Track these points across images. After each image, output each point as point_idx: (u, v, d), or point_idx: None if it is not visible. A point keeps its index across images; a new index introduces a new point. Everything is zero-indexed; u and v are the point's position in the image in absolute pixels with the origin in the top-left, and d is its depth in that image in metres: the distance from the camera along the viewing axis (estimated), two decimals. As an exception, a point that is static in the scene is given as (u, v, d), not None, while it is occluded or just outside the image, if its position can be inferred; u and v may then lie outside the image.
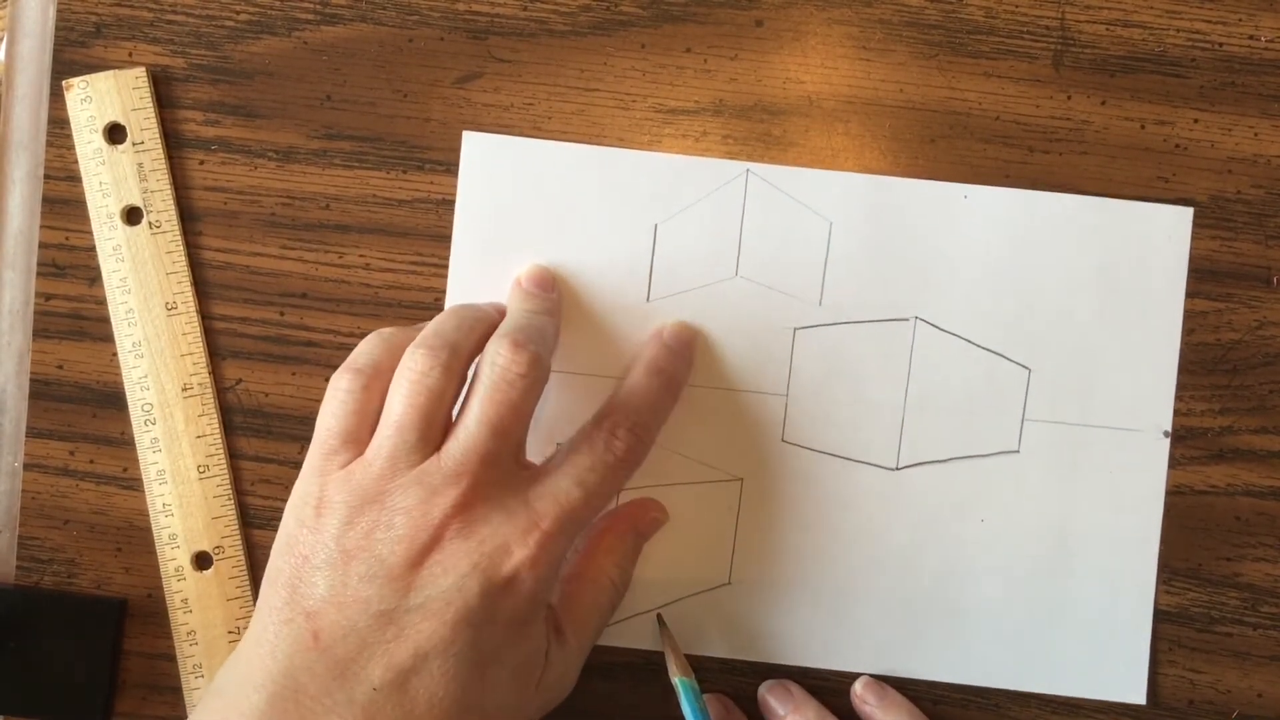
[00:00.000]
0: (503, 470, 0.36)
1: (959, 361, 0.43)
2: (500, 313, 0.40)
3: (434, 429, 0.36)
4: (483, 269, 0.43)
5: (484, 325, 0.38)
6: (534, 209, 0.43)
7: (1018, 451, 0.43)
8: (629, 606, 0.43)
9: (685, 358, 0.41)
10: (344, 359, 0.41)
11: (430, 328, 0.37)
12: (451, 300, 0.43)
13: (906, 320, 0.43)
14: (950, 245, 0.43)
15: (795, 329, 0.43)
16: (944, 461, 0.43)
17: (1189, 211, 0.43)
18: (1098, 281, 0.43)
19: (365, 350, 0.38)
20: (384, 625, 0.33)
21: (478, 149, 0.43)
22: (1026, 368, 0.43)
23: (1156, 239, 0.43)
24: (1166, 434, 0.43)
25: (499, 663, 0.35)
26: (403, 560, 0.34)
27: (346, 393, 0.36)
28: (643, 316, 0.43)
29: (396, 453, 0.35)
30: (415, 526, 0.34)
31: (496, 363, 0.36)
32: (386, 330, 0.39)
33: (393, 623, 0.33)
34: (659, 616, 0.42)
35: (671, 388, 0.41)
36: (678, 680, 0.40)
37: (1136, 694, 0.43)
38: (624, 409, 0.39)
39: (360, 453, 0.36)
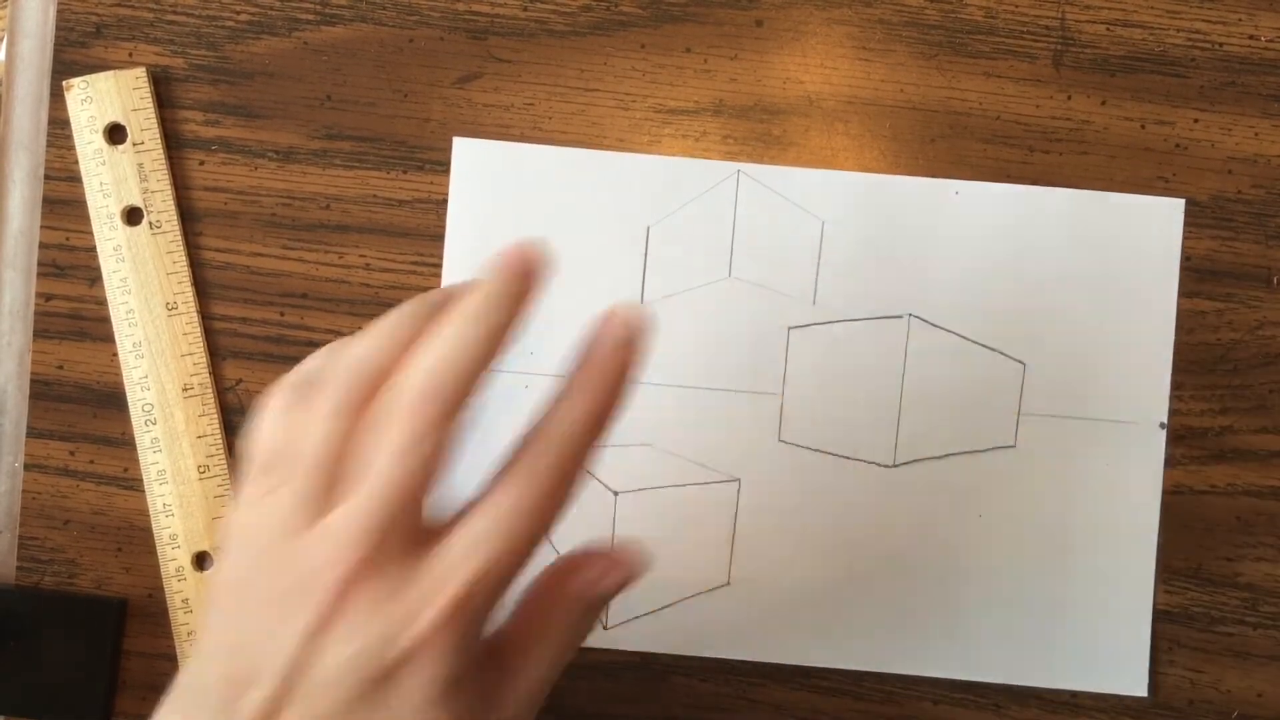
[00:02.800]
0: (396, 541, 0.31)
1: (954, 357, 0.43)
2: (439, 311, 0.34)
3: (344, 472, 0.32)
4: (475, 274, 0.43)
5: (402, 349, 0.33)
6: (525, 213, 0.43)
7: (1014, 446, 0.43)
8: (629, 608, 0.43)
9: (618, 371, 0.33)
10: None
11: (357, 354, 0.33)
12: (451, 300, 0.43)
13: (900, 317, 0.43)
14: (942, 241, 0.43)
15: (789, 328, 0.43)
16: (941, 458, 0.43)
17: (1180, 203, 0.43)
18: (1091, 274, 0.43)
19: (306, 366, 0.34)
20: (293, 682, 0.31)
21: (468, 154, 0.43)
22: (1021, 362, 0.43)
23: (1149, 231, 0.43)
24: (1162, 425, 0.43)
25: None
26: (302, 625, 0.31)
27: (273, 411, 0.33)
28: (640, 318, 0.43)
29: (306, 495, 0.31)
30: (312, 591, 0.31)
31: (398, 420, 0.31)
32: (336, 343, 0.34)
33: (294, 687, 0.31)
34: None
35: (600, 408, 0.33)
36: None
37: (1138, 686, 0.43)
38: (535, 447, 0.32)
39: (286, 477, 0.32)
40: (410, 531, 0.31)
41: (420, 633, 0.30)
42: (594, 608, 0.35)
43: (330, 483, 0.31)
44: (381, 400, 0.32)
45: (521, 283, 0.33)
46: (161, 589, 0.43)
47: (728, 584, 0.43)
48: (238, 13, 0.43)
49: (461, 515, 0.32)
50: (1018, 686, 0.43)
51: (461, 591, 0.31)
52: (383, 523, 0.31)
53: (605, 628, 0.43)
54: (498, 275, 0.33)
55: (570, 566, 0.35)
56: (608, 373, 0.33)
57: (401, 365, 0.32)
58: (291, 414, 0.32)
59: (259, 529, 0.32)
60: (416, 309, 0.34)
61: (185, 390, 0.43)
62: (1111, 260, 0.43)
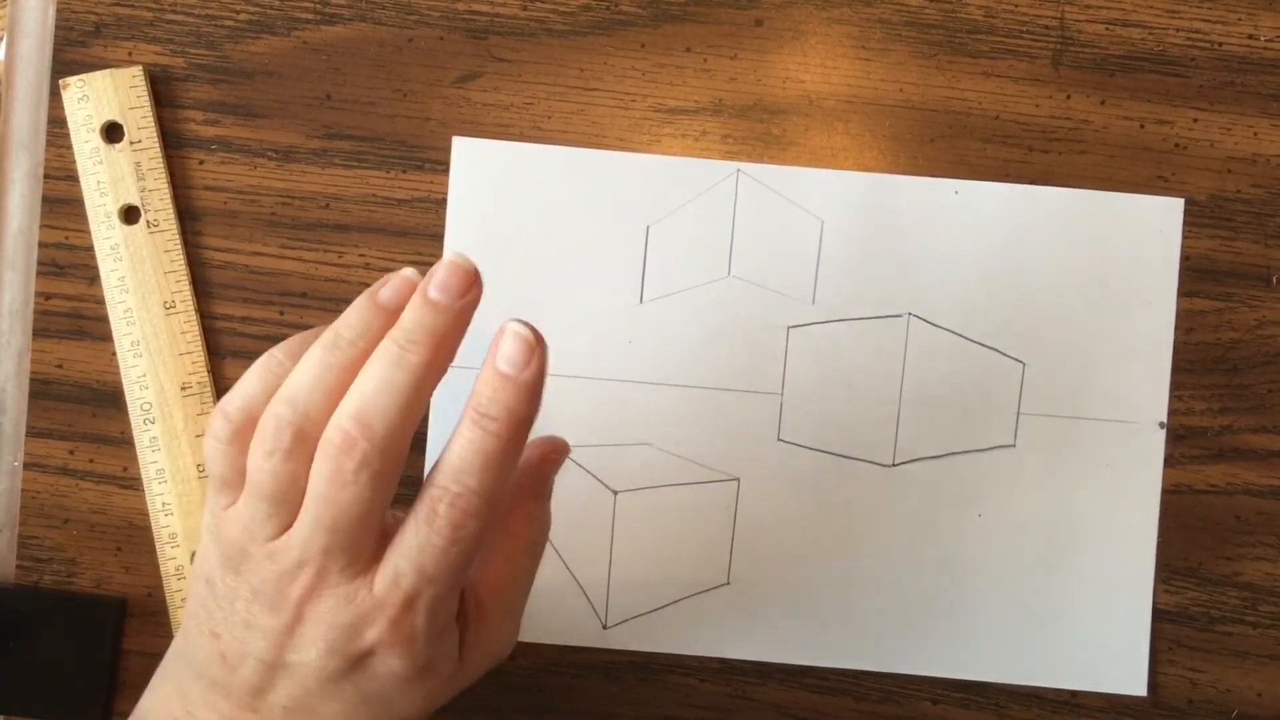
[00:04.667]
0: (344, 559, 0.32)
1: (953, 357, 0.43)
2: (388, 314, 0.33)
3: (287, 504, 0.32)
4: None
5: (350, 371, 0.32)
6: (525, 213, 0.43)
7: (1014, 446, 0.43)
8: (629, 607, 0.43)
9: (524, 388, 0.32)
10: None
11: (289, 383, 0.32)
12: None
13: (900, 317, 0.43)
14: (942, 241, 0.43)
15: (789, 327, 0.43)
16: (940, 457, 0.43)
17: (1180, 202, 0.43)
18: (1090, 274, 0.43)
19: (242, 392, 0.33)
20: (273, 671, 0.33)
21: (467, 153, 0.43)
22: (1021, 362, 0.43)
23: (1148, 230, 0.43)
24: (1162, 425, 0.43)
25: (401, 695, 0.34)
26: (269, 624, 0.33)
27: (215, 441, 0.33)
28: (636, 318, 0.43)
29: (254, 521, 0.32)
30: (272, 599, 0.33)
31: (328, 457, 0.31)
32: (275, 355, 0.33)
33: (282, 670, 0.33)
34: None
35: (508, 435, 0.32)
36: None
37: (1137, 686, 0.43)
38: (443, 476, 0.32)
39: (237, 497, 0.33)
40: (358, 548, 0.32)
41: (379, 635, 0.32)
42: (548, 479, 0.37)
43: (275, 509, 0.32)
44: (317, 435, 0.32)
45: (455, 307, 0.32)
46: (161, 588, 0.43)
47: (727, 584, 0.43)
48: (237, 12, 0.43)
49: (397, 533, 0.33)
50: (1018, 686, 0.43)
51: (412, 598, 0.32)
52: (327, 546, 0.32)
53: (605, 627, 0.43)
54: (428, 306, 0.32)
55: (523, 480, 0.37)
56: (504, 389, 0.32)
57: (338, 399, 0.32)
58: (231, 447, 0.33)
59: (227, 533, 0.33)
60: (350, 331, 0.33)
61: (184, 389, 0.43)
62: (1111, 260, 0.43)
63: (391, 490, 0.32)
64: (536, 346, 0.32)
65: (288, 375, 0.33)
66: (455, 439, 0.32)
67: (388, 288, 0.33)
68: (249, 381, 0.33)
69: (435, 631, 0.33)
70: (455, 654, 0.35)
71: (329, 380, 0.32)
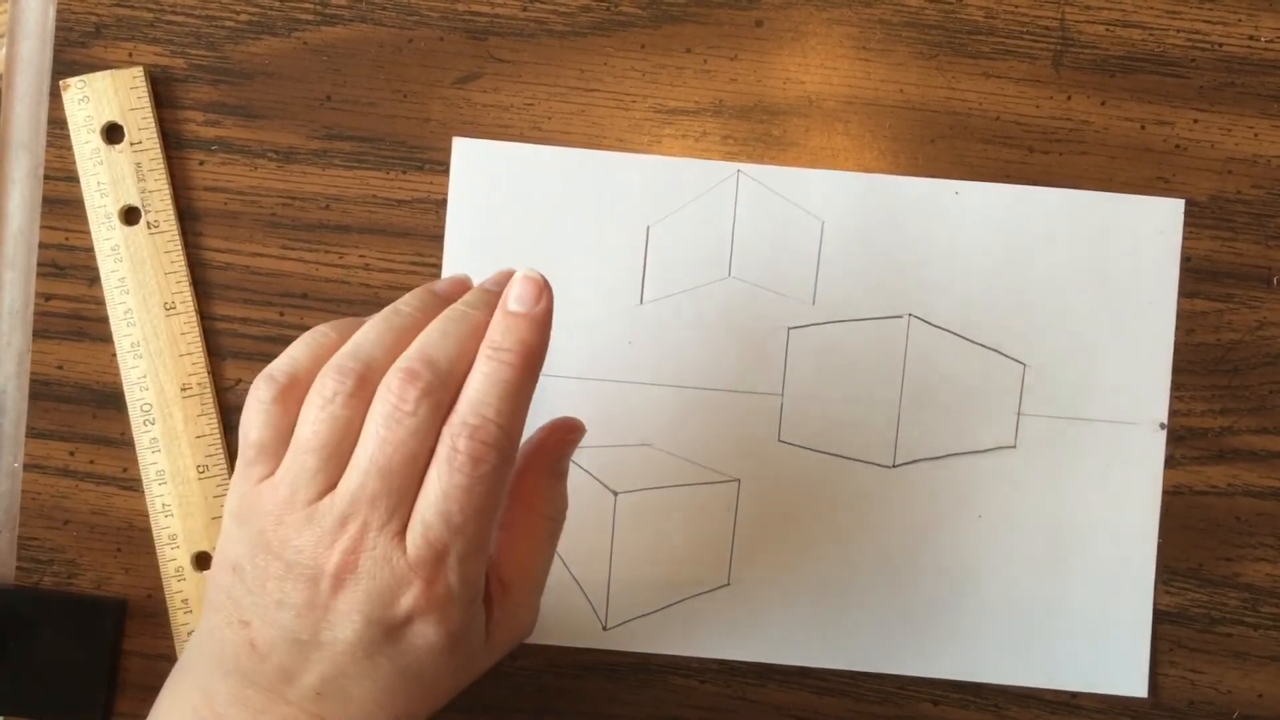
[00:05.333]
0: (392, 512, 0.33)
1: (954, 358, 0.43)
2: (442, 300, 0.36)
3: (338, 457, 0.33)
4: (474, 274, 0.43)
5: (410, 334, 0.34)
6: (525, 213, 0.43)
7: (1014, 447, 0.43)
8: (630, 608, 0.43)
9: (535, 322, 0.34)
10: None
11: (352, 341, 0.34)
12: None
13: (900, 318, 0.43)
14: (942, 241, 0.43)
15: (789, 328, 0.43)
16: (940, 458, 0.43)
17: (1180, 203, 0.43)
18: (1091, 275, 0.43)
19: (288, 356, 0.34)
20: (307, 650, 0.33)
21: (468, 154, 0.43)
22: (1021, 363, 0.43)
23: (1148, 231, 0.43)
24: (1162, 426, 0.43)
25: (433, 670, 0.34)
26: (304, 600, 0.33)
27: (259, 403, 0.34)
28: (636, 319, 0.43)
29: (297, 481, 0.33)
30: (309, 570, 0.33)
31: (386, 398, 0.32)
32: (321, 328, 0.35)
33: (314, 649, 0.33)
34: None
35: (522, 364, 0.33)
36: None
37: (1138, 687, 0.43)
38: (460, 412, 0.33)
39: (275, 467, 0.34)
40: (403, 500, 0.33)
41: (414, 601, 0.33)
42: (565, 459, 0.38)
43: (324, 463, 0.33)
44: (371, 388, 0.33)
45: (533, 314, 0.35)
46: (161, 589, 0.43)
47: (727, 584, 0.43)
48: (237, 13, 0.43)
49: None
50: (1017, 688, 0.43)
51: (443, 553, 0.33)
52: (375, 495, 0.32)
53: (605, 628, 0.43)
54: (511, 317, 0.34)
55: (532, 445, 0.38)
56: (516, 325, 0.34)
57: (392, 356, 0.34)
58: (276, 405, 0.34)
59: (262, 505, 0.33)
60: (408, 306, 0.35)
61: (184, 390, 0.43)
62: (1111, 260, 0.43)
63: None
64: (545, 287, 0.35)
65: (333, 347, 0.34)
66: (470, 378, 0.33)
67: (441, 283, 0.37)
68: (295, 348, 0.35)
69: (468, 597, 0.34)
70: (484, 628, 0.35)
71: (389, 340, 0.34)
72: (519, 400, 0.34)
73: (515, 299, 0.34)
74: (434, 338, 0.34)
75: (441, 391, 0.33)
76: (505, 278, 0.35)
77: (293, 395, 0.34)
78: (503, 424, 0.33)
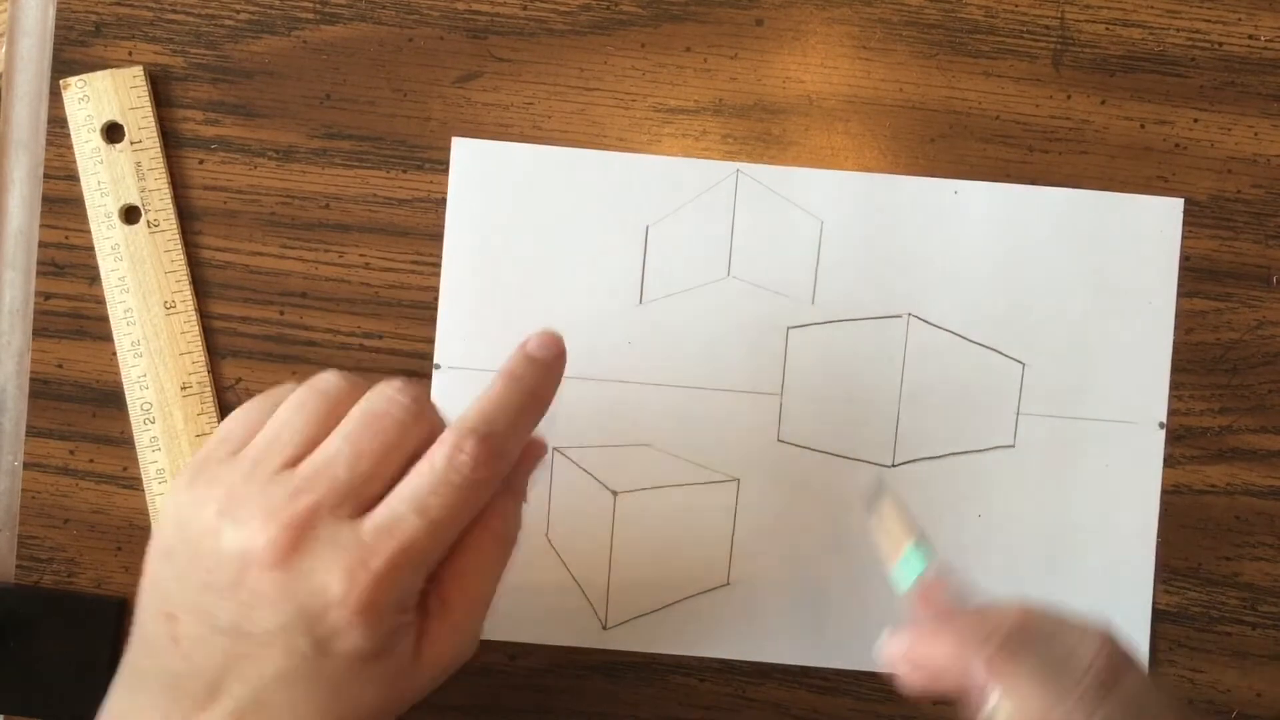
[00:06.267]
0: (348, 500, 0.32)
1: (953, 357, 0.43)
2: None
3: (310, 442, 0.33)
4: (474, 275, 0.43)
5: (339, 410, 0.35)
6: (525, 213, 0.43)
7: (1013, 446, 0.43)
8: (630, 608, 0.43)
9: (551, 369, 0.36)
10: (344, 359, 0.43)
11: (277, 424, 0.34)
12: (446, 304, 0.43)
13: (899, 317, 0.43)
14: (941, 241, 0.43)
15: (788, 328, 0.43)
16: (940, 458, 0.43)
17: (1179, 202, 0.43)
18: (1090, 274, 0.43)
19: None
20: (231, 642, 0.32)
21: (467, 154, 0.43)
22: (1021, 362, 0.43)
23: (1148, 230, 0.43)
24: (1162, 425, 0.43)
25: (356, 683, 0.32)
26: (230, 578, 0.32)
27: (238, 410, 0.35)
28: (635, 319, 0.43)
29: (263, 454, 0.33)
30: (242, 544, 0.32)
31: (373, 392, 0.34)
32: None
33: (237, 642, 0.32)
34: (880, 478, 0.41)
35: (532, 396, 0.35)
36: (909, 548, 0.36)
37: None
38: (471, 420, 0.34)
39: (237, 451, 0.34)
40: (373, 479, 0.33)
41: (358, 593, 0.31)
42: (525, 477, 0.37)
43: (292, 440, 0.33)
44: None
45: (546, 359, 0.37)
46: (161, 588, 0.43)
47: (727, 584, 0.43)
48: (237, 12, 0.43)
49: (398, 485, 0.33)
50: (1017, 686, 0.43)
51: (401, 552, 0.32)
52: (344, 476, 0.32)
53: (605, 628, 0.43)
54: (527, 359, 0.36)
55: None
56: (533, 364, 0.36)
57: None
58: (253, 410, 0.35)
59: (209, 484, 0.33)
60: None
61: (184, 389, 0.43)
62: (1110, 259, 0.43)
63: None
64: (560, 343, 0.36)
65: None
66: (483, 396, 0.34)
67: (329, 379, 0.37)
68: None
69: (402, 604, 0.33)
70: (412, 645, 0.34)
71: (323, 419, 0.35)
72: (524, 429, 0.35)
73: (535, 346, 0.36)
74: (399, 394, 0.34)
75: (428, 402, 0.34)
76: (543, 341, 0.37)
77: (270, 403, 0.35)
78: (508, 442, 0.34)
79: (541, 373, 0.36)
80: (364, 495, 0.32)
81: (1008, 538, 0.43)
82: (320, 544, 0.31)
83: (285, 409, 0.34)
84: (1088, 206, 0.43)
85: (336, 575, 0.31)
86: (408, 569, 0.32)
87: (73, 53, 0.43)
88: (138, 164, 0.43)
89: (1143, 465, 0.43)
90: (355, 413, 0.33)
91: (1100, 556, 0.43)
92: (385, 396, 0.34)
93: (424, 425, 0.34)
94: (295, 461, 0.33)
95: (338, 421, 0.34)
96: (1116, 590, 0.43)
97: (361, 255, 0.43)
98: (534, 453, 0.38)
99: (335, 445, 0.33)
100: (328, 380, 0.35)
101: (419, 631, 0.34)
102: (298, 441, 0.33)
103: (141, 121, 0.43)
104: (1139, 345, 0.43)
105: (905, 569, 0.35)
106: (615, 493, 0.43)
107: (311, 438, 0.33)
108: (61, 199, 0.43)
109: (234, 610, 0.31)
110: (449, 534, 0.33)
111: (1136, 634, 0.43)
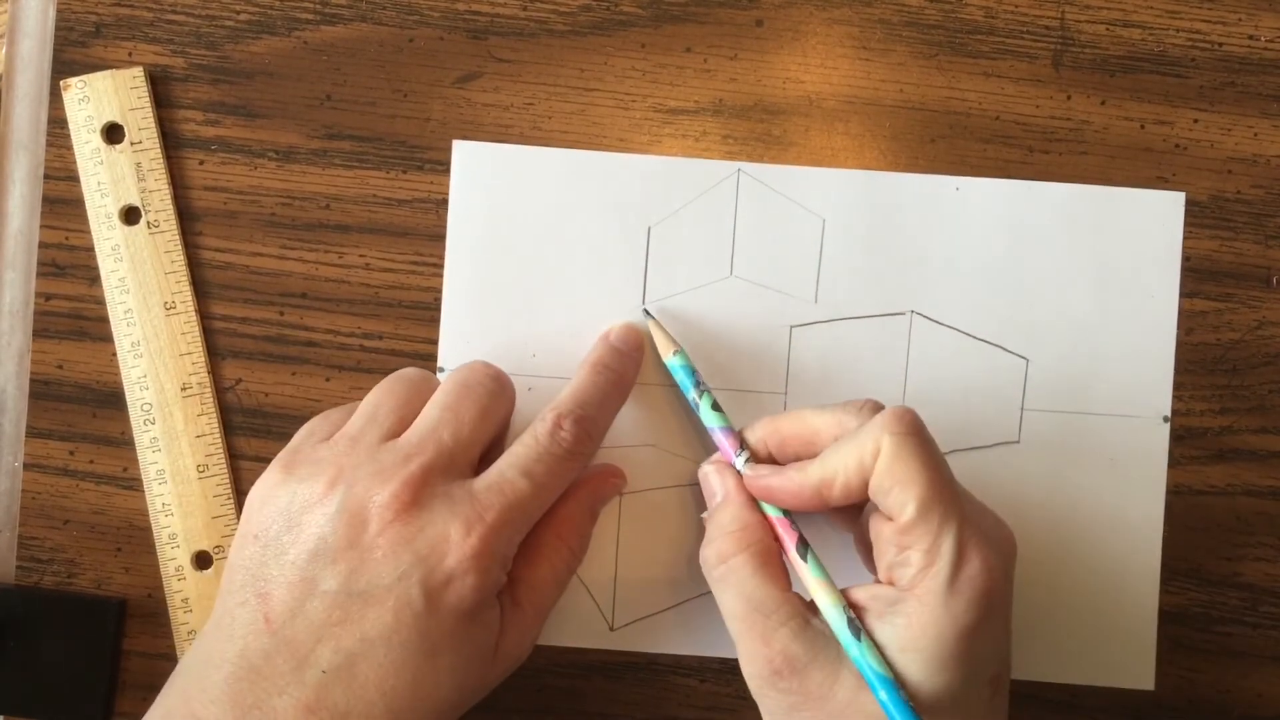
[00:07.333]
0: (455, 462, 0.36)
1: (956, 354, 0.43)
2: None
3: (403, 419, 0.37)
4: (477, 278, 0.43)
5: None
6: (526, 216, 0.43)
7: (1018, 442, 0.43)
8: (636, 609, 0.43)
9: (632, 358, 0.41)
10: (344, 360, 0.43)
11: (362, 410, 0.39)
12: (448, 304, 0.43)
13: (902, 315, 0.43)
14: (943, 238, 0.43)
15: (791, 327, 0.43)
16: (945, 454, 0.43)
17: (1181, 196, 0.43)
18: (1092, 269, 0.43)
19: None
20: (331, 608, 0.34)
21: (469, 156, 0.43)
22: (1024, 358, 0.43)
23: (1149, 225, 0.43)
24: (1166, 419, 0.43)
25: (450, 650, 0.35)
26: (344, 540, 0.34)
27: (318, 419, 0.40)
28: (638, 319, 0.43)
29: (364, 429, 0.37)
30: (359, 504, 0.34)
31: (463, 367, 0.39)
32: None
33: (339, 606, 0.34)
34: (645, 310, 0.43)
35: (618, 384, 0.41)
36: (669, 360, 0.41)
37: (1144, 680, 0.43)
38: (569, 403, 0.38)
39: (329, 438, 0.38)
40: (465, 462, 0.37)
41: (474, 541, 0.34)
42: (601, 502, 0.41)
43: (392, 414, 0.37)
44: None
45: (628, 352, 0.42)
46: (161, 588, 0.43)
47: (728, 584, 0.43)
48: (237, 12, 0.43)
49: (502, 456, 0.37)
50: (1021, 682, 0.43)
51: (511, 508, 0.35)
52: (449, 440, 0.36)
53: (612, 629, 0.43)
54: (611, 348, 0.42)
55: (578, 479, 0.40)
56: (619, 355, 0.41)
57: None
58: (331, 413, 0.40)
59: (315, 459, 0.36)
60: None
61: (184, 390, 0.43)
62: (1113, 253, 0.43)
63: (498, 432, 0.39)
64: (640, 335, 0.42)
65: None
66: (574, 383, 0.39)
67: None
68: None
69: (504, 559, 0.36)
70: (498, 617, 0.36)
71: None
72: (611, 412, 0.40)
73: (618, 338, 0.41)
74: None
75: (507, 378, 0.39)
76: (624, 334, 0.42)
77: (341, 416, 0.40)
78: (598, 424, 0.39)
79: (625, 362, 0.41)
80: (467, 458, 0.37)
81: (1014, 533, 0.43)
82: (437, 499, 0.35)
83: (374, 395, 0.38)
84: (1089, 201, 0.43)
85: (456, 526, 0.35)
86: (514, 525, 0.36)
87: (73, 53, 0.43)
88: (138, 165, 0.43)
89: (1148, 458, 0.43)
90: (449, 384, 0.38)
91: (1107, 550, 0.43)
92: (474, 369, 0.38)
93: (508, 396, 0.39)
94: (392, 436, 0.36)
95: (423, 402, 0.37)
96: (1123, 583, 0.43)
97: (361, 256, 0.43)
98: (615, 482, 0.42)
99: (435, 414, 0.37)
100: (405, 371, 0.39)
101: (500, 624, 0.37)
102: (393, 419, 0.37)
103: (142, 122, 0.43)
104: (1142, 339, 0.43)
105: (678, 377, 0.41)
106: (620, 494, 0.43)
107: (404, 416, 0.37)
108: (62, 200, 0.43)
109: (343, 573, 0.34)
110: (548, 498, 0.37)
111: (1144, 627, 0.43)
